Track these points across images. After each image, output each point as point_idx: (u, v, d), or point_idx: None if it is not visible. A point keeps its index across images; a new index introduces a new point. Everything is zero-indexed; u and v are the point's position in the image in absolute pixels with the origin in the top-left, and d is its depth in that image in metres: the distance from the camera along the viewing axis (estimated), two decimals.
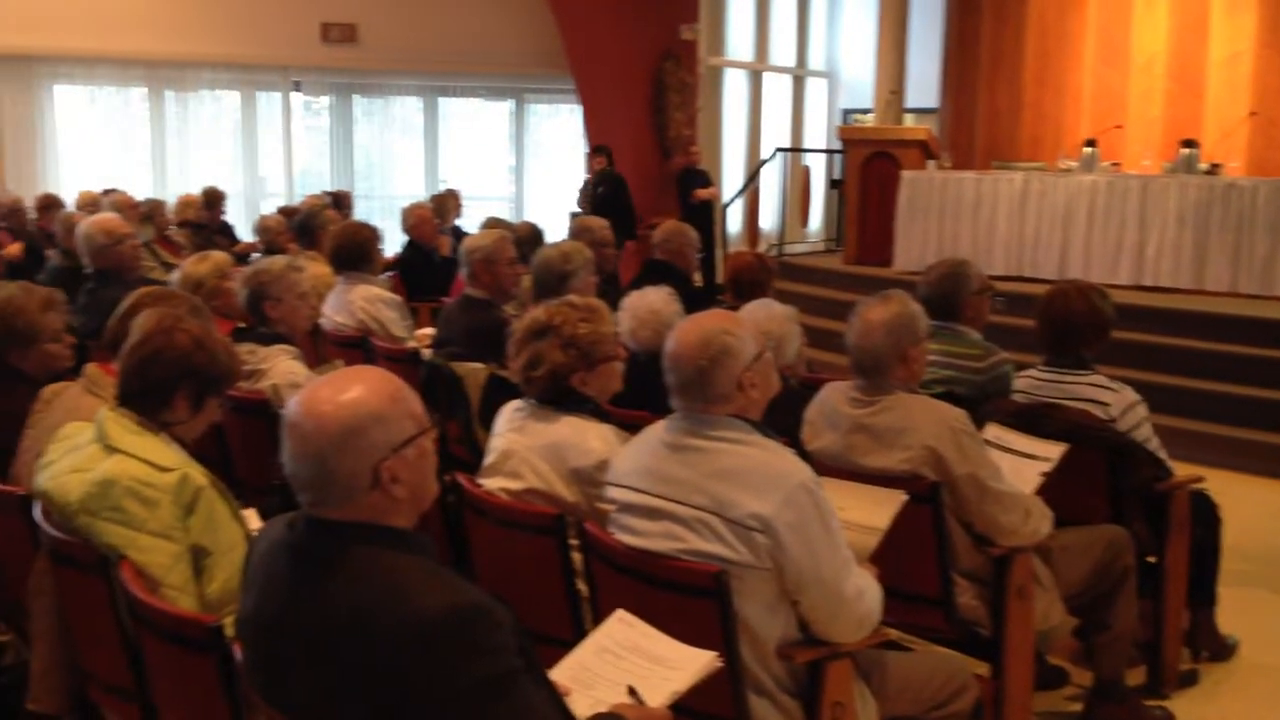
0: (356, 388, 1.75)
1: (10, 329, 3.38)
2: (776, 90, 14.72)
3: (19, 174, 12.64)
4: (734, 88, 14.09)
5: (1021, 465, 3.33)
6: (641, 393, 3.41)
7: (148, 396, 2.56)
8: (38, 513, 2.54)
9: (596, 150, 11.52)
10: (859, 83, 14.63)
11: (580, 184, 11.86)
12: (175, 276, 4.05)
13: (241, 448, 3.84)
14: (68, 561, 2.46)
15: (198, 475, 2.48)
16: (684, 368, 2.42)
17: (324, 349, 5.12)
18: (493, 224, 6.37)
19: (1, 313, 3.38)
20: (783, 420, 2.84)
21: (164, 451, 2.47)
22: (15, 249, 7.87)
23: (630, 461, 2.56)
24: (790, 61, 14.84)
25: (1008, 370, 3.97)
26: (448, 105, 14.33)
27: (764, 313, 3.82)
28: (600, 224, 5.86)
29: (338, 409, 1.72)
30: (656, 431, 2.53)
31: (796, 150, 14.37)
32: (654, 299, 3.92)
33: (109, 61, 13.10)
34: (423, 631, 1.61)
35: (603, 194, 10.98)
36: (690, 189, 11.75)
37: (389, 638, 1.61)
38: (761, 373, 2.47)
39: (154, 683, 2.28)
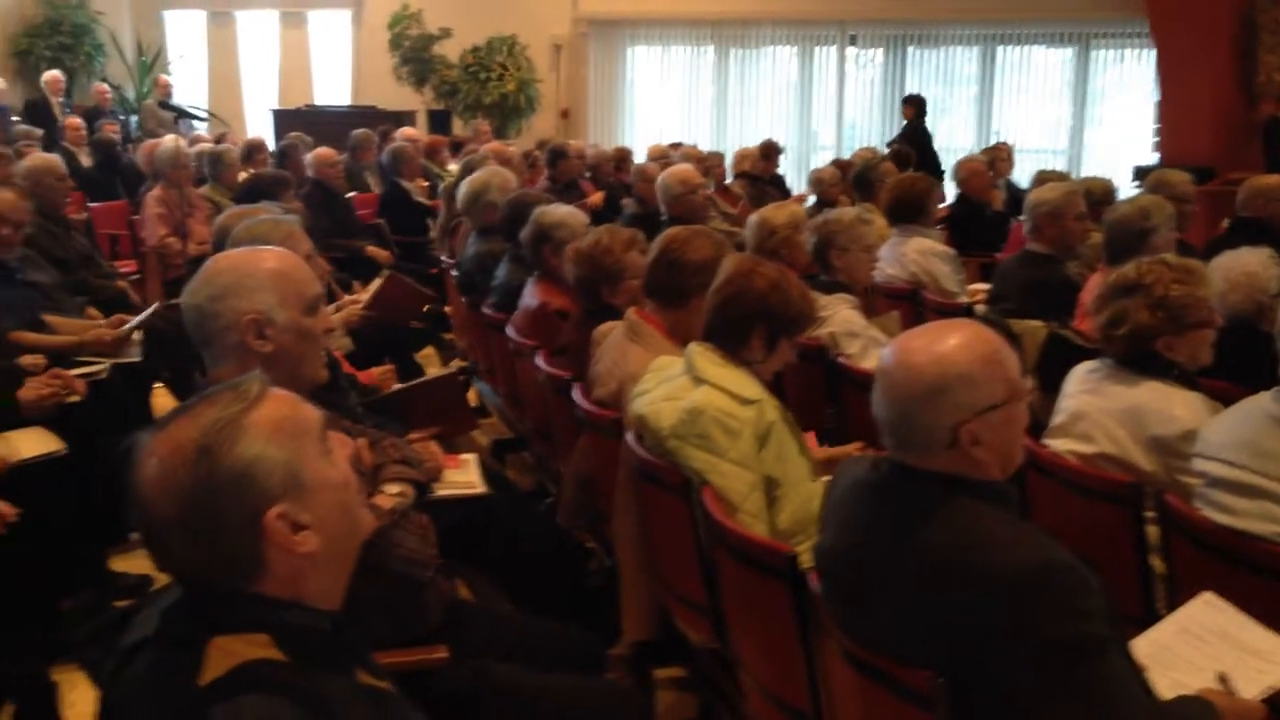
0: (952, 342, 1.74)
1: (600, 267, 3.72)
2: None
3: (600, 129, 13.91)
4: None
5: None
6: (1229, 363, 3.11)
7: (727, 333, 2.72)
8: (630, 436, 2.80)
9: (907, 100, 10.58)
10: None
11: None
12: (752, 221, 4.25)
13: (795, 391, 3.98)
14: (654, 481, 2.69)
15: (771, 409, 2.61)
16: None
17: (875, 301, 5.17)
18: (1045, 177, 6.09)
19: (592, 253, 3.72)
20: None
21: (746, 384, 2.62)
22: (597, 198, 8.68)
23: (1224, 433, 2.34)
24: None
25: None
26: (1005, 54, 13.82)
27: None
28: (1181, 178, 5.40)
29: (929, 363, 1.73)
30: (1259, 402, 2.30)
31: None
32: (1250, 260, 3.54)
33: (682, 23, 13.98)
34: (1013, 583, 1.59)
35: (895, 151, 10.00)
36: None
37: (976, 585, 1.61)
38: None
39: (726, 600, 2.44)
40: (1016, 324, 4.09)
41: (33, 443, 3.50)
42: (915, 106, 11.37)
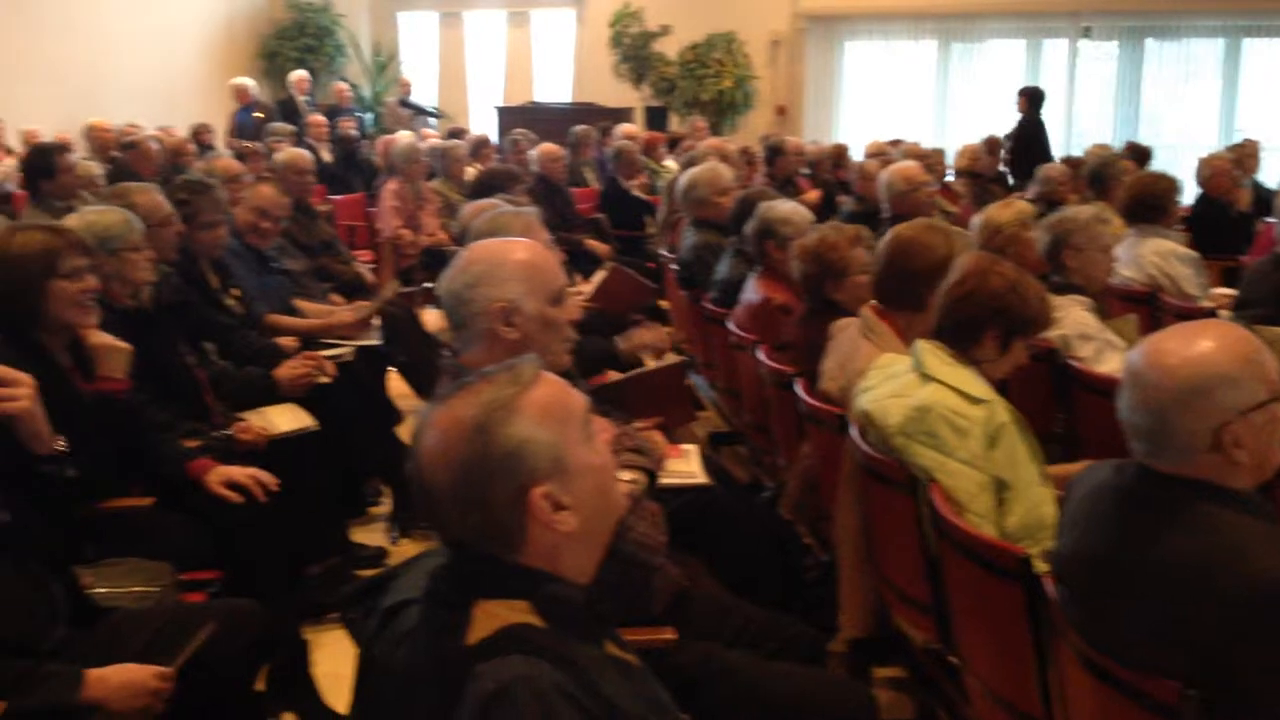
0: (1206, 343, 1.69)
1: (825, 263, 3.72)
2: None
3: (816, 125, 13.82)
4: None
5: None
6: None
7: (959, 332, 2.69)
8: (854, 432, 2.80)
9: (1021, 92, 9.76)
10: None
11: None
12: (976, 221, 4.17)
13: (1020, 394, 3.88)
14: (879, 478, 2.69)
15: (1003, 410, 2.57)
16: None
17: (1108, 303, 4.98)
18: None
19: (818, 249, 3.72)
20: None
21: (975, 384, 2.59)
22: (814, 195, 8.64)
23: None
24: None
25: None
26: (1251, 47, 13.03)
27: None
28: None
29: (1185, 364, 1.68)
30: None
31: None
32: None
33: (903, 17, 13.74)
34: (1269, 595, 1.53)
35: (1012, 148, 9.23)
36: None
37: (1228, 595, 1.56)
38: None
39: (953, 599, 2.42)
40: (1265, 331, 3.87)
41: (288, 418, 3.76)
42: (1029, 99, 10.83)
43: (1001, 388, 3.79)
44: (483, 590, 1.39)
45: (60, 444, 2.43)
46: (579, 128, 10.00)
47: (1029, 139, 10.65)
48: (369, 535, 4.39)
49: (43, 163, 5.80)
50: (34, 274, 2.79)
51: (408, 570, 1.82)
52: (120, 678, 2.12)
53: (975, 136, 10.66)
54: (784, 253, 4.05)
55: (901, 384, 2.68)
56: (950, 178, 9.39)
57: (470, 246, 2.41)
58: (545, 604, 1.38)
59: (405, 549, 4.29)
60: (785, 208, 4.32)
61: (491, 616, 1.35)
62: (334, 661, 3.17)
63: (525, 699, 1.25)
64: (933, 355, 2.65)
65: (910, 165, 5.64)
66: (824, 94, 14.49)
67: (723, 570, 3.17)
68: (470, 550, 1.42)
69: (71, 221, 3.39)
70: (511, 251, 2.33)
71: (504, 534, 1.40)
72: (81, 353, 2.96)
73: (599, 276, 5.32)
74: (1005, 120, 13.02)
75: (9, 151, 9.71)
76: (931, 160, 9.03)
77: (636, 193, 8.49)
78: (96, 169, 6.84)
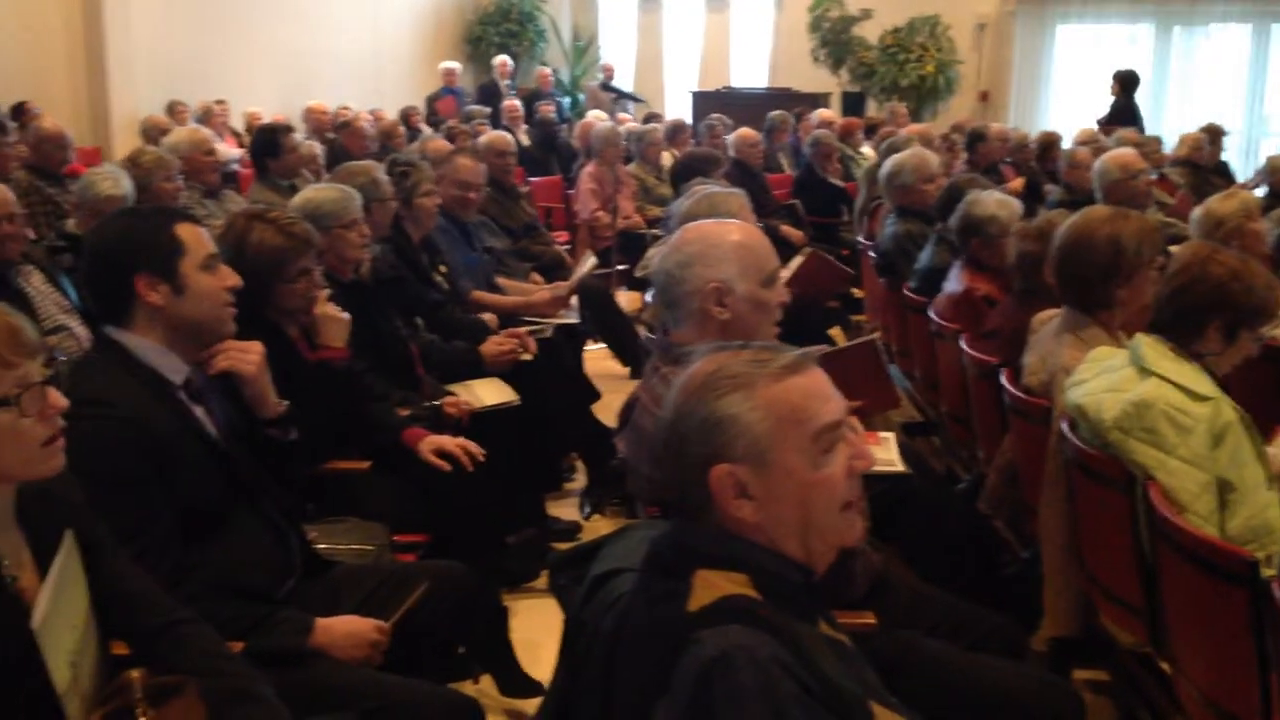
0: None
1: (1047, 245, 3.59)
2: None
3: (1021, 112, 13.39)
4: None
5: None
6: None
7: (1180, 324, 2.58)
8: (1063, 426, 2.72)
9: (1115, 76, 8.82)
10: None
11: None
12: (1196, 214, 3.99)
13: (1243, 394, 3.69)
14: (1090, 474, 2.60)
15: (1228, 408, 2.46)
16: None
17: None
18: None
19: (1042, 229, 3.56)
20: None
21: (1199, 379, 2.48)
22: (1018, 183, 8.37)
23: None
24: None
25: None
26: None
27: None
28: None
29: None
30: None
31: None
32: None
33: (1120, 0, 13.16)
34: None
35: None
36: None
37: None
38: None
39: (1168, 602, 2.33)
40: None
41: (492, 392, 3.89)
42: (1122, 83, 10.09)
43: (1224, 385, 3.64)
44: (703, 560, 1.41)
45: (284, 407, 2.57)
46: (775, 113, 9.95)
47: (1121, 125, 10.12)
48: (563, 509, 4.50)
49: (269, 143, 6.14)
50: (264, 274, 2.95)
51: (615, 540, 1.86)
52: (345, 628, 2.24)
53: (1192, 125, 10.14)
54: (990, 248, 3.96)
55: (1118, 378, 2.58)
56: (1167, 168, 8.94)
57: (685, 227, 2.45)
58: (764, 579, 1.40)
59: (597, 525, 4.39)
60: (991, 203, 4.19)
61: (711, 586, 1.38)
62: (528, 629, 3.28)
63: (745, 666, 1.27)
64: (1153, 349, 2.55)
65: (1127, 152, 5.41)
66: (1031, 79, 14.01)
67: (917, 560, 3.13)
68: (686, 517, 1.45)
69: (294, 201, 3.59)
70: (726, 233, 2.37)
71: (689, 497, 1.43)
72: (306, 322, 3.12)
73: (796, 262, 5.29)
74: (1228, 108, 12.34)
75: (234, 134, 10.30)
76: (1148, 148, 8.63)
77: (832, 179, 8.41)
78: (318, 149, 7.19)
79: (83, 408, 1.95)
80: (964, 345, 3.63)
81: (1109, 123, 10.29)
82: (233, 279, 2.36)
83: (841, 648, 1.47)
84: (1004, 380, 3.18)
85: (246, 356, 2.44)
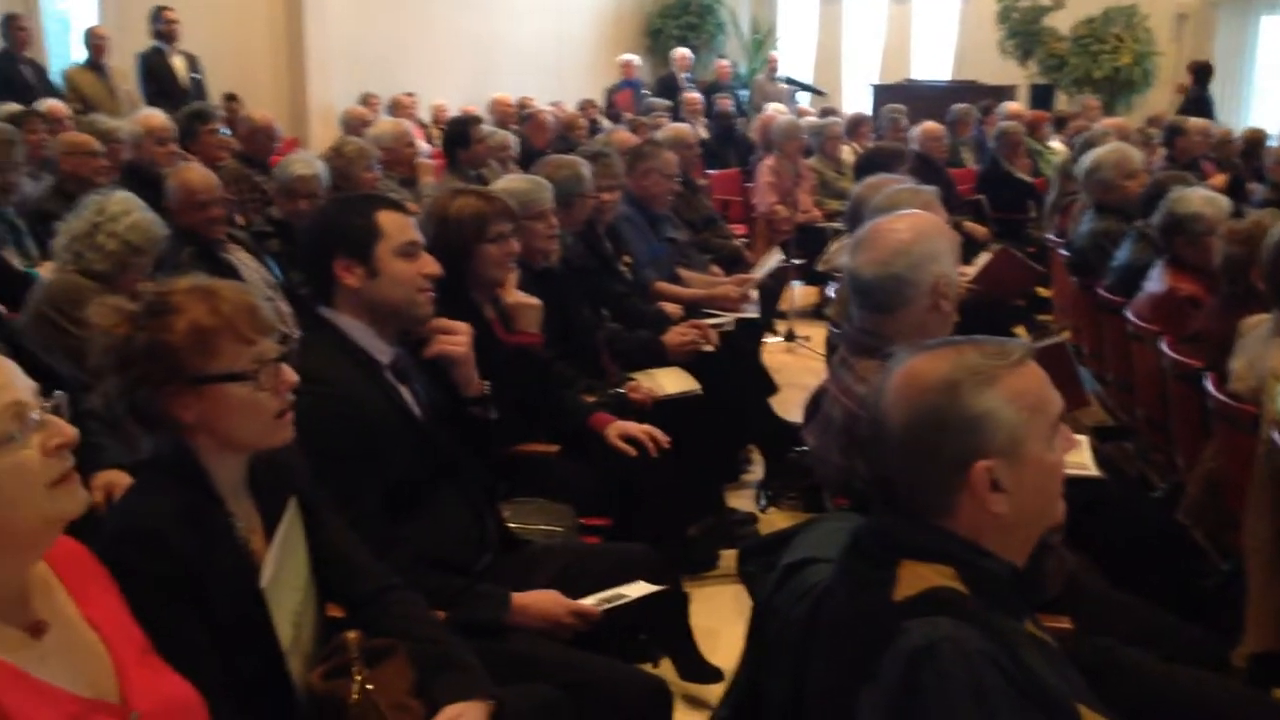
0: None
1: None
2: None
3: (1222, 106, 12.74)
4: None
5: None
6: None
7: None
8: (1274, 434, 2.60)
9: (1189, 67, 7.85)
10: None
11: None
12: None
13: None
14: None
15: None
16: None
17: None
18: None
19: (1251, 232, 3.42)
20: None
21: None
22: (1220, 180, 7.99)
23: None
24: None
25: None
26: None
27: None
28: None
29: None
30: None
31: None
32: None
33: None
34: None
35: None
36: None
37: None
38: None
39: None
40: None
41: (674, 381, 3.93)
42: (1195, 73, 9.28)
43: None
44: (909, 551, 1.42)
45: (485, 388, 2.66)
46: (958, 106, 9.73)
47: (1193, 115, 9.44)
48: (740, 501, 4.52)
49: (459, 134, 6.34)
50: (467, 237, 3.07)
51: (807, 530, 1.88)
52: (540, 607, 2.31)
53: None
54: (1195, 247, 3.81)
55: None
56: None
57: (890, 229, 2.43)
58: (970, 572, 1.40)
59: (773, 517, 4.40)
60: (1197, 199, 4.03)
61: (918, 577, 1.38)
62: (706, 617, 3.31)
63: (952, 658, 1.28)
64: None
65: None
66: (1234, 73, 13.31)
67: (1110, 568, 3.04)
68: (900, 508, 1.45)
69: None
70: (934, 227, 2.38)
71: (938, 496, 1.42)
72: (502, 307, 3.23)
73: (983, 258, 5.18)
74: None
75: (420, 125, 10.63)
76: None
77: (1019, 174, 8.18)
78: (511, 139, 7.37)
79: (301, 384, 2.07)
80: (1165, 348, 3.50)
81: (1181, 114, 9.76)
82: (432, 266, 2.45)
83: (1046, 647, 1.45)
84: (1209, 385, 3.06)
85: (456, 339, 2.54)
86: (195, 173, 4.38)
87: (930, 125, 7.81)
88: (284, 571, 1.83)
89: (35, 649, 1.39)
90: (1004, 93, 12.31)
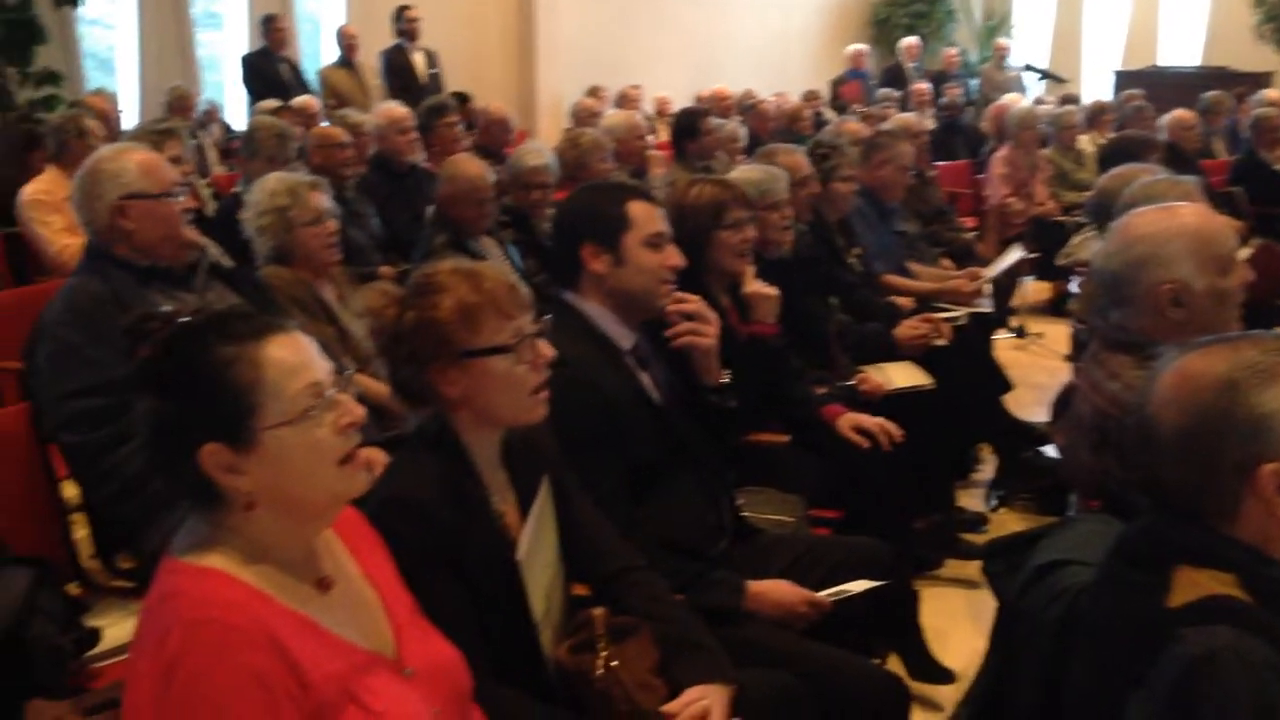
0: None
1: None
2: None
3: None
4: None
5: None
6: None
7: None
8: None
9: None
10: None
11: None
12: None
13: None
14: None
15: None
16: None
17: None
18: None
19: None
20: None
21: None
22: None
23: None
24: None
25: None
26: None
27: None
28: None
29: None
30: None
31: None
32: None
33: None
34: None
35: None
36: None
37: None
38: None
39: None
40: None
41: (905, 375, 3.87)
42: None
43: None
44: (1186, 556, 1.35)
45: (725, 377, 2.68)
46: (1211, 93, 9.17)
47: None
48: (969, 499, 4.41)
49: (688, 126, 6.39)
50: (704, 223, 3.09)
51: (1058, 532, 1.81)
52: (775, 597, 2.31)
53: None
54: None
55: None
56: None
57: (1130, 222, 2.32)
58: (1256, 582, 1.32)
59: (1004, 518, 4.27)
60: None
61: (1194, 584, 1.32)
62: (934, 616, 3.25)
63: (1234, 668, 1.21)
64: None
65: None
66: None
67: None
68: (1175, 512, 1.39)
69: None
70: (1176, 225, 2.23)
71: (1218, 498, 1.35)
72: (737, 296, 3.24)
73: (1243, 253, 4.86)
74: None
75: (645, 117, 10.75)
76: None
77: (1278, 166, 7.64)
78: (740, 130, 7.39)
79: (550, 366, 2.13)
80: None
81: None
82: (676, 258, 2.48)
83: None
84: None
85: (705, 329, 2.56)
86: (474, 165, 4.41)
87: (1182, 113, 7.40)
88: (538, 547, 1.90)
89: (323, 602, 1.47)
90: (1260, 80, 11.54)
